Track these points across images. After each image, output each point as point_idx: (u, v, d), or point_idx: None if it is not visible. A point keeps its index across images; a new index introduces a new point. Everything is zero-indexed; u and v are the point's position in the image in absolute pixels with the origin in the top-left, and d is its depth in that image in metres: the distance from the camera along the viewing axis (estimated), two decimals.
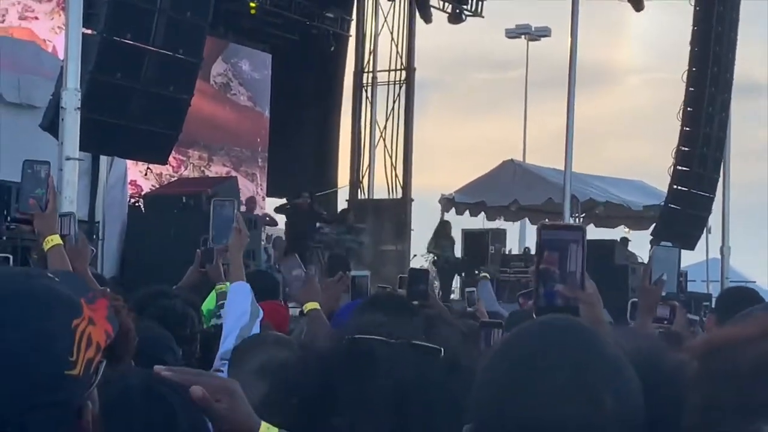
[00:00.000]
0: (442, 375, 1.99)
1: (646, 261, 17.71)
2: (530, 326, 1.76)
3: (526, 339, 1.73)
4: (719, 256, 19.44)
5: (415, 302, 5.63)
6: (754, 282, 21.45)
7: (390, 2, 22.07)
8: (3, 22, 17.41)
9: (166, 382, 1.81)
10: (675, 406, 1.65)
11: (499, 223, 21.57)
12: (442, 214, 21.26)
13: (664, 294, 4.05)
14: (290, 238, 17.81)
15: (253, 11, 20.38)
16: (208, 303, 6.74)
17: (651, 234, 18.90)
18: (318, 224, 18.10)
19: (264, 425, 1.84)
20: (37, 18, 17.78)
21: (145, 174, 18.75)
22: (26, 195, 4.31)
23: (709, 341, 1.71)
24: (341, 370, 1.99)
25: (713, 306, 5.48)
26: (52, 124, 10.19)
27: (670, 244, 4.32)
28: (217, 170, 20.96)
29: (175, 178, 19.16)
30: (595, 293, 2.61)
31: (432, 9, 21.40)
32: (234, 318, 4.32)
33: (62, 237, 4.35)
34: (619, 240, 19.30)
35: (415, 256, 20.88)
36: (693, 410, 1.61)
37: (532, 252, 21.00)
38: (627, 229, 22.11)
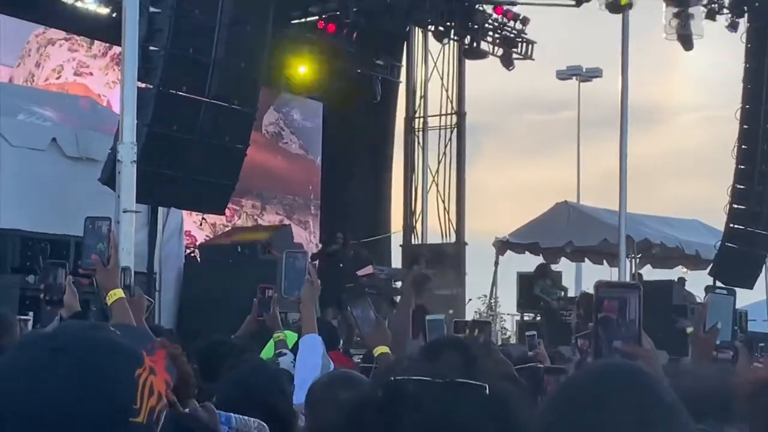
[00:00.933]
0: (484, 412, 1.89)
1: (702, 300, 17.60)
2: (593, 369, 1.77)
3: (590, 381, 1.74)
4: None
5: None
6: None
7: (440, 48, 22.16)
8: (59, 78, 17.66)
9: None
10: None
11: (555, 266, 21.42)
12: (497, 257, 21.17)
13: (718, 343, 3.99)
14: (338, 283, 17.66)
15: (303, 63, 20.57)
16: (267, 351, 6.76)
17: (709, 274, 18.72)
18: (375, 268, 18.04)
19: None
20: (91, 74, 18.03)
21: (200, 224, 18.88)
22: (89, 250, 4.37)
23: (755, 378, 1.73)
24: (374, 410, 1.92)
25: None
26: (110, 177, 10.31)
27: (725, 291, 4.24)
28: (269, 219, 21.05)
29: (229, 228, 19.27)
30: (653, 349, 2.63)
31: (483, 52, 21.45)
32: (306, 371, 4.32)
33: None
34: (676, 280, 19.11)
35: (470, 300, 20.84)
36: None
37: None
38: (684, 269, 21.90)
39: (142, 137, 10.30)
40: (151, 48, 10.82)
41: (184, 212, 14.73)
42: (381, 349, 4.80)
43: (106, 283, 4.33)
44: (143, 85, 10.64)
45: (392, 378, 1.99)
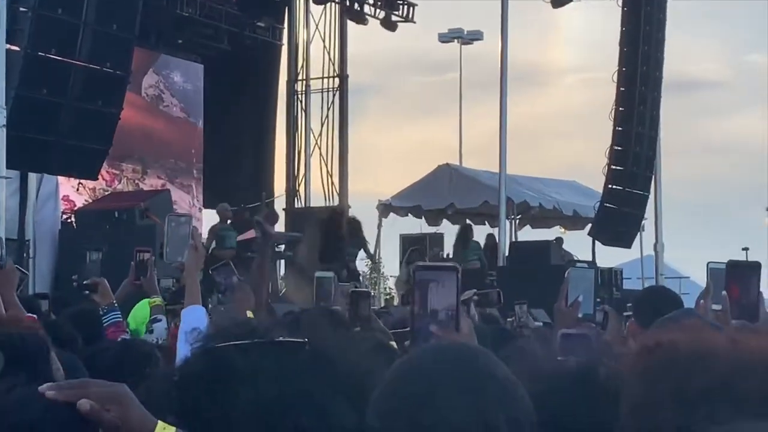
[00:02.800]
0: (307, 372, 1.85)
1: (578, 260, 17.93)
2: (428, 350, 1.77)
3: (425, 362, 1.74)
4: (653, 253, 19.65)
5: (358, 328, 5.56)
6: (688, 277, 21.70)
7: (321, 10, 22.05)
8: None
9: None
10: (612, 415, 1.67)
11: (436, 228, 21.63)
12: (380, 220, 21.27)
13: (580, 315, 4.05)
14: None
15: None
16: (142, 311, 6.69)
17: (588, 234, 19.07)
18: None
19: (160, 425, 1.80)
20: None
21: (78, 189, 18.55)
22: None
23: (644, 343, 1.72)
24: (198, 387, 1.87)
25: (632, 310, 5.45)
26: None
27: (585, 265, 4.33)
28: (152, 183, 20.78)
29: (109, 192, 18.98)
30: (471, 333, 2.63)
31: (364, 16, 21.43)
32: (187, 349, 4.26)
33: None
34: (554, 240, 19.41)
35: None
36: (630, 409, 1.63)
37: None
38: (563, 230, 22.27)
39: (10, 101, 10.07)
40: (20, 9, 10.55)
41: (61, 177, 14.45)
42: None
43: None
44: (13, 48, 10.39)
45: (211, 346, 1.97)
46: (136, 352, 4.13)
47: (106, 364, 3.85)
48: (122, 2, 11.40)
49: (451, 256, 18.80)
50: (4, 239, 7.32)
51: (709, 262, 3.97)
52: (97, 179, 14.22)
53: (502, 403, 1.68)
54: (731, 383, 1.51)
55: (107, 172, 18.40)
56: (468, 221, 20.67)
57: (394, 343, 5.24)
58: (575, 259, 18.07)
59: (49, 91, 10.68)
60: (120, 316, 5.75)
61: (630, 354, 1.76)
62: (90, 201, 18.16)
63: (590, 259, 17.51)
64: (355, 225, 18.80)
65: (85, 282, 5.90)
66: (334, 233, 17.75)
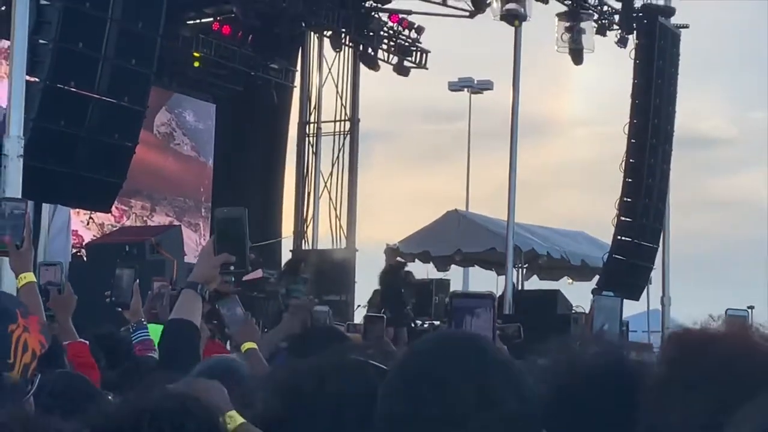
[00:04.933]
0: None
1: (584, 310, 17.92)
2: (429, 340, 1.82)
3: (428, 353, 1.78)
4: (659, 307, 19.65)
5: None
6: None
7: (335, 54, 22.21)
8: None
9: None
10: (634, 406, 1.70)
11: (444, 274, 21.63)
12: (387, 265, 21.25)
13: None
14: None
15: (196, 64, 20.44)
16: (154, 335, 6.77)
17: (596, 285, 19.07)
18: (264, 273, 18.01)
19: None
20: None
21: (87, 224, 18.60)
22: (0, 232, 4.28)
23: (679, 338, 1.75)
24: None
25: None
26: None
27: (612, 294, 4.36)
28: (159, 220, 20.83)
29: (117, 228, 19.02)
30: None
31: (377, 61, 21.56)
32: None
33: (47, 286, 4.35)
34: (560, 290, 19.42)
35: (359, 306, 20.85)
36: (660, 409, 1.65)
37: None
38: (570, 281, 22.28)
39: (28, 132, 10.14)
40: (40, 41, 10.65)
41: (72, 211, 14.49)
42: (248, 345, 4.87)
43: (18, 266, 4.27)
44: (32, 79, 10.47)
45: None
46: None
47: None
48: (141, 38, 11.50)
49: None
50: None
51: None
52: (110, 212, 14.27)
53: (505, 387, 1.71)
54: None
55: (116, 208, 18.43)
56: (476, 265, 20.68)
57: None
58: (577, 307, 18.10)
59: (67, 122, 10.76)
60: (148, 334, 5.80)
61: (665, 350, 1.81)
62: (98, 236, 18.20)
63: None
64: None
65: (117, 300, 6.01)
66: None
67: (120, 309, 5.96)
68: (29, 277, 4.25)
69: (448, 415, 1.67)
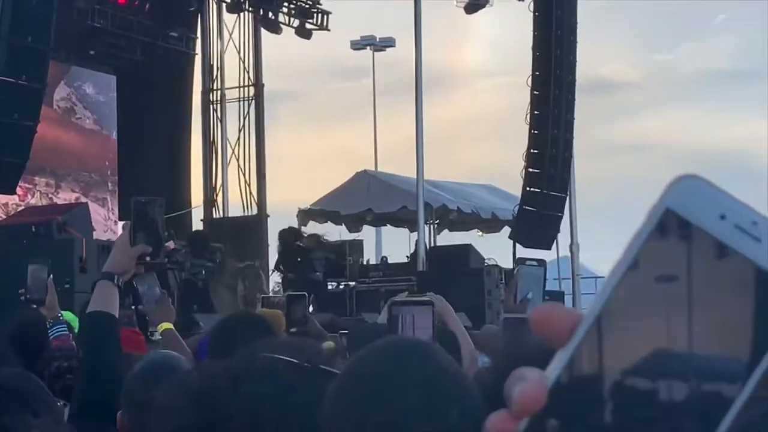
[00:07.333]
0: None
1: (496, 263, 18.11)
2: (379, 346, 1.80)
3: (376, 359, 1.76)
4: (569, 254, 19.90)
5: (294, 330, 5.62)
6: (603, 277, 21.97)
7: (235, 20, 21.98)
8: None
9: None
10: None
11: (356, 235, 21.67)
12: (300, 228, 21.23)
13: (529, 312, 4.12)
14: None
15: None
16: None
17: (509, 237, 19.25)
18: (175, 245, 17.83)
19: None
20: None
21: None
22: None
23: None
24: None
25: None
26: None
27: (535, 263, 4.41)
28: (65, 197, 20.49)
29: (22, 207, 18.68)
30: None
31: (278, 24, 21.40)
32: None
33: None
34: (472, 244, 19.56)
35: (273, 271, 20.81)
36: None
37: (389, 261, 21.18)
38: (480, 233, 22.44)
39: None
40: None
41: None
42: (165, 326, 4.84)
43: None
44: None
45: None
46: None
47: None
48: (36, 14, 11.26)
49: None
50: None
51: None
52: (15, 194, 14.01)
53: (453, 397, 1.70)
54: None
55: (20, 186, 18.02)
56: (388, 224, 20.75)
57: (331, 343, 5.29)
58: (488, 260, 18.28)
59: None
60: (66, 329, 5.71)
61: None
62: (3, 217, 17.86)
63: (511, 261, 17.67)
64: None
65: (32, 297, 5.85)
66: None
67: (35, 306, 5.82)
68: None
69: (391, 424, 1.66)
